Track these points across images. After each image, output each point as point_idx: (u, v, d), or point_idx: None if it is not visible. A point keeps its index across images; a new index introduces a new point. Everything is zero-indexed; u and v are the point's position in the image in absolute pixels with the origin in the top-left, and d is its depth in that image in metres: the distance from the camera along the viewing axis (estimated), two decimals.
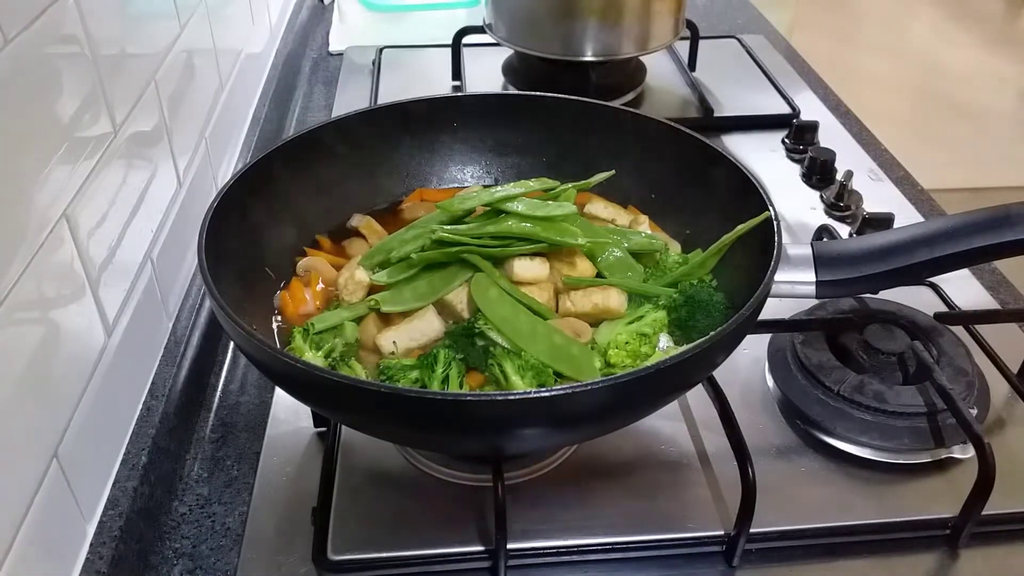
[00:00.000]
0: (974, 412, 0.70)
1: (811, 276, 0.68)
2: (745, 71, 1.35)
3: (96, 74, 0.68)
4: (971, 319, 0.82)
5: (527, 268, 0.70)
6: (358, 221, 0.82)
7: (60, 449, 0.58)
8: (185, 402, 0.77)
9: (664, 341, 0.70)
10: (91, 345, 0.65)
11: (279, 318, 0.73)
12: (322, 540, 0.64)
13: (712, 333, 0.57)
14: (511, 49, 1.25)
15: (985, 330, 0.82)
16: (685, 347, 0.66)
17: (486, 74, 1.33)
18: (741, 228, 0.70)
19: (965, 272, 0.92)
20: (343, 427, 0.72)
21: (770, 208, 0.68)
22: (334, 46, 1.49)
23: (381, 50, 1.40)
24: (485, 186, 0.86)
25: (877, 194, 1.06)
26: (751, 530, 0.63)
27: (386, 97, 1.25)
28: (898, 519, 0.67)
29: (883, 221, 0.97)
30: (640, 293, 0.72)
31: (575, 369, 0.64)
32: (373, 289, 0.72)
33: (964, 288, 0.90)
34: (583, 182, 0.79)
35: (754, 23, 1.58)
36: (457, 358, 0.64)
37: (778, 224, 0.66)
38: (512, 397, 0.52)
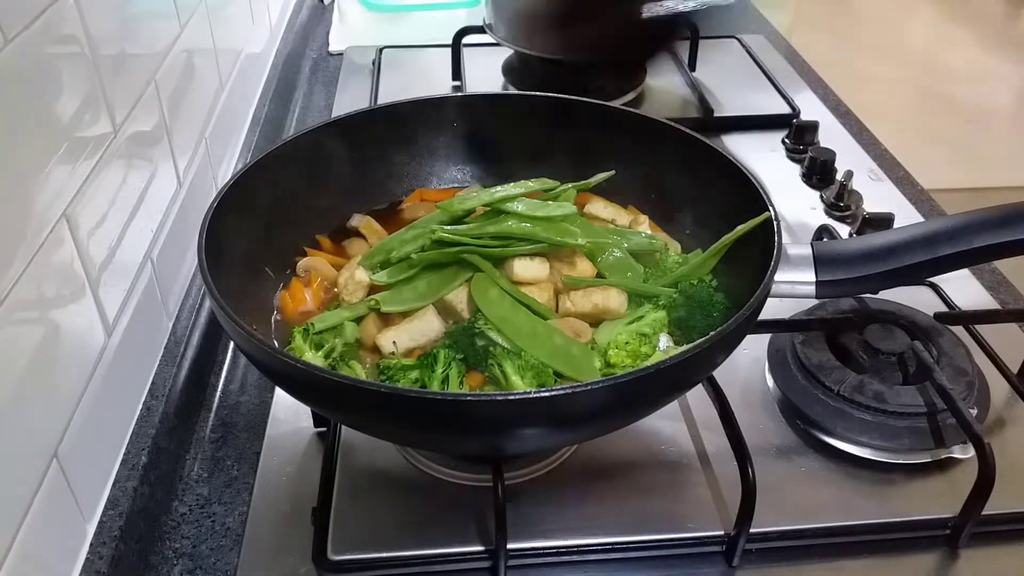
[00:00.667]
0: (974, 412, 0.70)
1: (811, 276, 0.68)
2: (745, 71, 1.35)
3: (96, 74, 0.68)
4: (971, 319, 0.82)
5: (527, 268, 0.70)
6: (358, 221, 0.82)
7: (60, 449, 0.58)
8: (185, 402, 0.77)
9: (664, 341, 0.70)
10: (91, 345, 0.65)
11: (279, 318, 0.73)
12: (322, 540, 0.64)
13: (712, 333, 0.57)
14: (511, 49, 1.25)
15: (985, 330, 0.82)
16: (685, 347, 0.66)
17: (486, 74, 1.33)
18: (741, 228, 0.70)
19: (965, 272, 0.92)
20: (343, 427, 0.72)
21: (770, 208, 0.68)
22: (334, 46, 1.49)
23: (381, 50, 1.40)
24: (485, 186, 0.86)
25: (877, 194, 1.06)
26: (751, 530, 0.63)
27: (386, 97, 1.25)
28: (898, 519, 0.67)
29: (883, 221, 0.97)
30: (640, 293, 0.72)
31: (575, 369, 0.64)
32: (373, 289, 0.72)
33: (964, 288, 0.90)
34: (583, 182, 0.79)
35: (754, 23, 1.58)
36: (457, 358, 0.64)
37: (778, 224, 0.66)
38: (512, 397, 0.52)
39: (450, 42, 1.31)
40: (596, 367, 0.66)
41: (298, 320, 0.71)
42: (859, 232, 0.98)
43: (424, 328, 0.68)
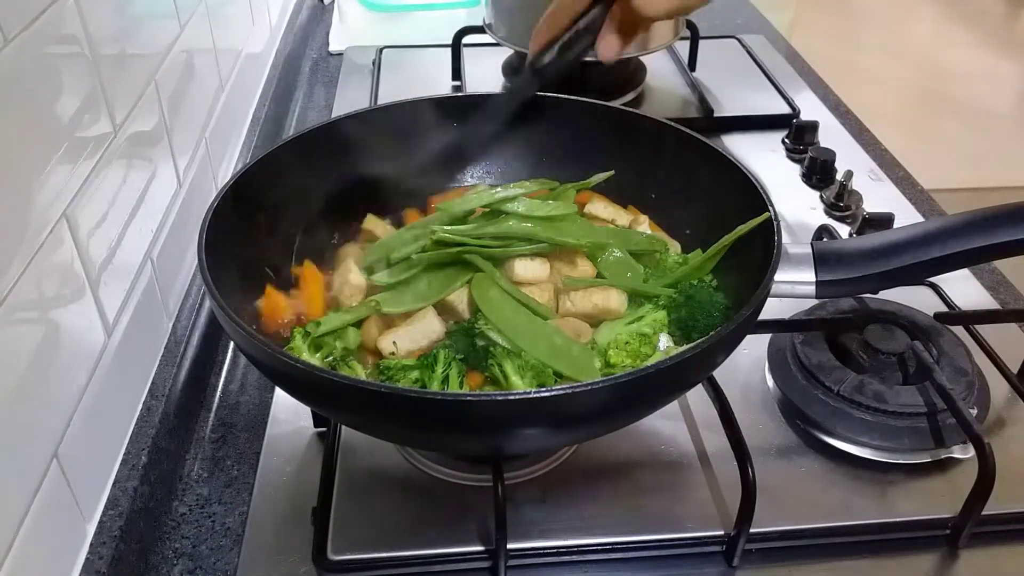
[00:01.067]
0: (974, 412, 0.70)
1: (811, 276, 0.68)
2: (745, 71, 1.35)
3: (96, 74, 0.68)
4: (971, 319, 0.82)
5: (528, 268, 0.70)
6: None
7: (60, 449, 0.58)
8: (185, 402, 0.77)
9: (664, 341, 0.70)
10: (91, 345, 0.65)
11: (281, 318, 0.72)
12: (322, 540, 0.64)
13: (712, 333, 0.58)
14: (511, 49, 1.25)
15: (985, 330, 0.82)
16: (685, 347, 0.66)
17: (486, 74, 1.33)
18: (741, 228, 0.69)
19: (965, 272, 0.93)
20: (343, 427, 0.72)
21: (770, 208, 0.68)
22: (334, 46, 1.49)
23: (381, 50, 1.40)
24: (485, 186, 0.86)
25: (877, 194, 1.06)
26: (751, 530, 0.63)
27: (386, 97, 1.25)
28: (898, 519, 0.67)
29: (883, 221, 0.97)
30: (640, 294, 0.72)
31: (575, 369, 0.64)
32: (372, 290, 0.72)
33: (964, 288, 0.90)
34: (583, 182, 0.79)
35: (754, 23, 1.58)
36: (457, 358, 0.64)
37: (778, 224, 0.66)
38: (512, 397, 0.52)
39: (450, 42, 1.32)
40: (596, 367, 0.66)
41: (290, 322, 0.71)
42: (859, 232, 0.98)
43: (424, 330, 0.68)
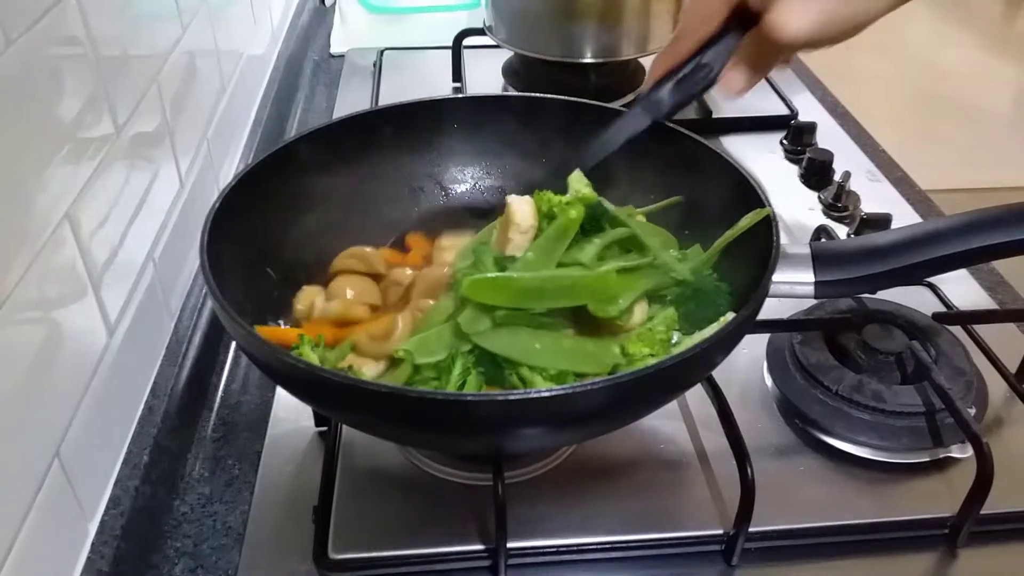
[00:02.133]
0: (972, 412, 0.70)
1: (810, 276, 0.68)
2: None
3: (98, 75, 0.68)
4: (969, 319, 0.83)
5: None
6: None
7: (62, 448, 0.59)
8: (187, 402, 0.77)
9: (674, 337, 0.70)
10: (93, 345, 0.65)
11: (282, 320, 0.73)
12: (323, 539, 0.64)
13: (711, 334, 0.58)
14: (511, 51, 1.26)
15: (983, 330, 0.82)
16: (696, 334, 0.66)
17: (486, 76, 1.33)
18: (740, 225, 0.70)
19: (963, 272, 0.93)
20: (344, 426, 0.73)
21: (768, 206, 0.68)
22: (335, 48, 1.50)
23: (382, 52, 1.40)
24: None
25: (875, 195, 1.06)
26: (750, 529, 0.63)
27: (387, 99, 1.25)
28: (897, 518, 0.67)
29: (881, 222, 0.98)
30: (659, 288, 0.71)
31: (596, 363, 0.63)
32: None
33: (962, 288, 0.90)
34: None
35: None
36: (478, 370, 0.63)
37: (776, 224, 0.67)
38: (512, 397, 0.52)
39: (451, 44, 1.32)
40: (616, 352, 0.64)
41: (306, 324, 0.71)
42: (857, 233, 0.98)
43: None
